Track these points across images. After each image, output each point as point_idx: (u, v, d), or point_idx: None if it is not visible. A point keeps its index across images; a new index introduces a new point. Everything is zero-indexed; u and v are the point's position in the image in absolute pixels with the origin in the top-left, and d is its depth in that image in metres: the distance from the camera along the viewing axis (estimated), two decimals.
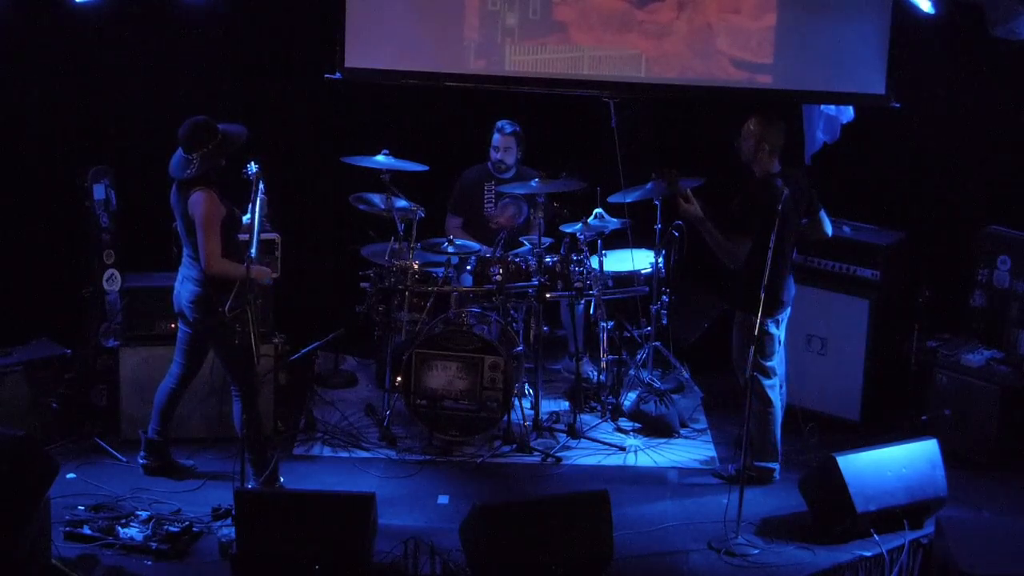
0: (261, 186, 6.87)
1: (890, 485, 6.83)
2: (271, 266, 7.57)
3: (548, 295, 7.98)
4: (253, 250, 6.88)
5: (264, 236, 7.33)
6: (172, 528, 6.64)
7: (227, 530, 6.59)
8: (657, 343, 8.24)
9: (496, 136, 8.49)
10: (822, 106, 8.35)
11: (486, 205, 8.58)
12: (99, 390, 7.85)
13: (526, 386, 8.15)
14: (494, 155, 8.51)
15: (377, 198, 8.04)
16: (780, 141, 7.21)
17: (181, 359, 7.20)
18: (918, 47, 8.11)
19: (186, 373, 7.23)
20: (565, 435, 7.96)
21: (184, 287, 7.01)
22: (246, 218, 7.03)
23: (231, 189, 6.98)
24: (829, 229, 7.47)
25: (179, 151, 6.88)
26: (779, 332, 7.32)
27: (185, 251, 7.01)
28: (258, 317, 6.89)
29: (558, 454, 7.75)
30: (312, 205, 8.70)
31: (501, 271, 7.92)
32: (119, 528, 6.64)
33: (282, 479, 7.18)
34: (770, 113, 7.29)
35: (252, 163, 6.87)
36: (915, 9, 7.78)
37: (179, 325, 7.15)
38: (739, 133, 7.26)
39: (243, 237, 7.00)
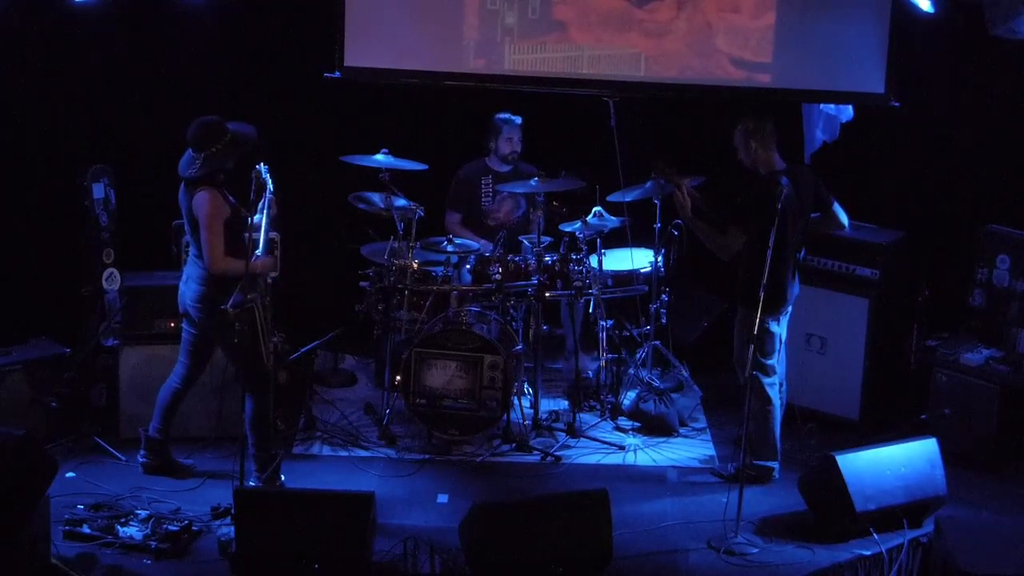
0: (269, 186, 6.88)
1: (889, 484, 6.83)
2: (273, 266, 7.57)
3: (547, 294, 7.98)
4: (260, 250, 6.89)
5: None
6: (171, 527, 6.64)
7: (226, 529, 6.59)
8: (656, 342, 8.24)
9: (506, 128, 8.47)
10: (821, 105, 8.35)
11: (483, 200, 8.58)
12: (98, 389, 7.86)
13: (525, 385, 8.14)
14: (504, 148, 8.48)
15: (376, 197, 8.04)
16: (769, 136, 7.19)
17: (186, 359, 7.21)
18: (918, 46, 8.10)
19: (191, 373, 7.24)
20: (564, 434, 7.96)
21: (188, 287, 7.02)
22: (256, 217, 7.00)
23: (235, 188, 6.98)
24: (845, 220, 7.45)
25: (188, 149, 6.89)
26: (780, 330, 7.32)
27: (191, 250, 7.02)
28: (269, 314, 6.91)
29: (557, 453, 7.75)
30: (312, 204, 8.70)
31: (500, 270, 7.92)
32: (118, 527, 6.64)
33: (282, 478, 7.19)
34: (753, 112, 7.28)
35: (261, 164, 6.86)
36: (914, 8, 7.77)
37: (184, 325, 7.16)
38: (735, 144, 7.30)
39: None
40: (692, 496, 7.32)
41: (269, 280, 7.19)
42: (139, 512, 6.79)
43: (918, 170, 8.55)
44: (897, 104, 8.04)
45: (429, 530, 6.72)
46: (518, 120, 8.50)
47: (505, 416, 7.77)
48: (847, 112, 8.34)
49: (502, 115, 8.51)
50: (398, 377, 7.81)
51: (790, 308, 7.34)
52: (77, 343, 7.85)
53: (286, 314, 8.00)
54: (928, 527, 6.81)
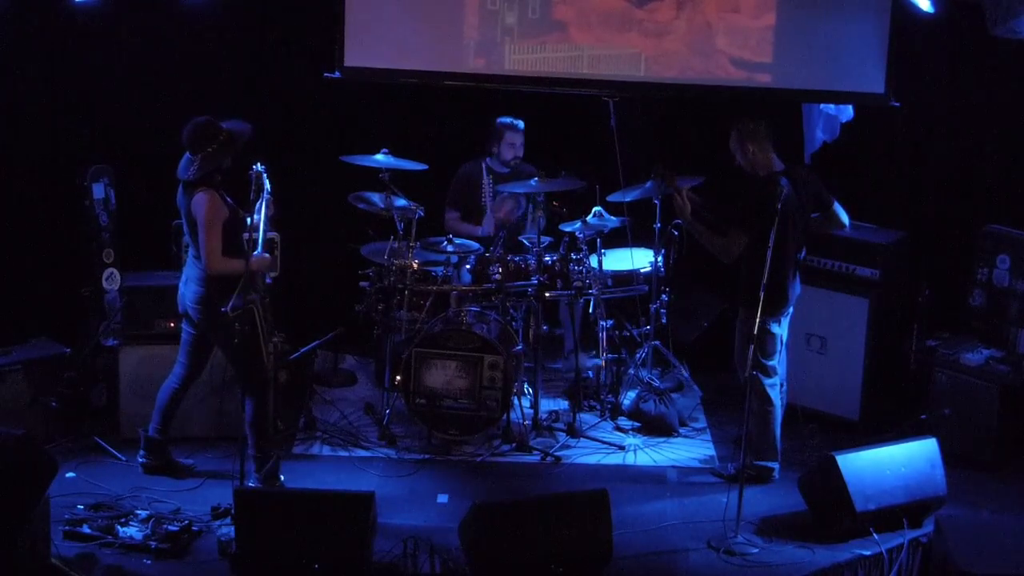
0: (267, 186, 6.88)
1: (889, 484, 6.83)
2: (271, 265, 7.57)
3: (547, 294, 7.98)
4: (259, 250, 6.89)
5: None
6: (171, 527, 6.64)
7: (226, 529, 6.59)
8: (656, 342, 8.23)
9: (508, 133, 8.46)
10: (822, 105, 8.35)
11: (484, 199, 8.59)
12: (99, 389, 7.87)
13: (525, 385, 8.14)
14: (507, 153, 8.46)
15: (376, 197, 8.04)
16: (765, 137, 7.19)
17: (185, 359, 7.21)
18: (918, 46, 8.11)
19: (190, 373, 7.24)
20: (564, 434, 7.96)
21: (188, 288, 7.02)
22: (254, 217, 7.00)
23: (235, 189, 6.99)
24: (846, 220, 7.45)
25: (186, 152, 6.90)
26: (781, 331, 7.32)
27: (190, 251, 7.03)
28: (268, 316, 6.91)
29: (557, 453, 7.75)
30: (312, 204, 8.70)
31: (500, 270, 7.92)
32: (118, 527, 6.64)
33: (282, 478, 7.18)
34: (746, 115, 7.29)
35: (259, 164, 6.87)
36: (915, 8, 7.78)
37: (183, 325, 7.16)
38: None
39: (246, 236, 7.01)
40: (692, 496, 7.31)
41: (268, 280, 7.19)
42: (139, 512, 6.79)
43: (918, 170, 8.56)
44: (897, 104, 8.05)
45: (429, 530, 6.72)
46: (520, 125, 8.48)
47: (505, 416, 7.77)
48: (847, 112, 8.35)
49: (504, 119, 8.49)
50: (398, 377, 7.81)
51: (791, 309, 7.34)
52: (77, 343, 7.86)
53: (286, 314, 8.00)
54: (928, 527, 6.81)
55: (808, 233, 7.39)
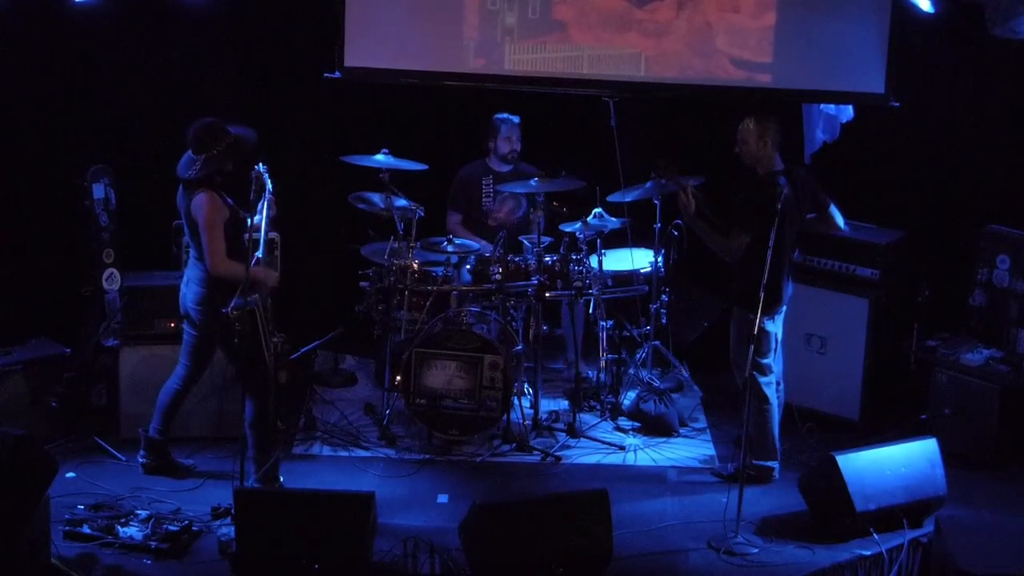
0: (268, 187, 6.88)
1: (889, 484, 6.83)
2: (271, 265, 7.58)
3: (547, 294, 7.98)
4: (260, 251, 6.89)
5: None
6: (171, 527, 6.64)
7: (226, 529, 6.59)
8: (656, 342, 8.24)
9: (504, 127, 8.48)
10: (822, 105, 8.35)
11: (484, 200, 8.59)
12: (98, 389, 7.87)
13: (525, 385, 8.14)
14: (503, 147, 8.48)
15: (377, 197, 8.05)
16: (779, 136, 7.22)
17: (187, 360, 7.21)
18: (918, 46, 8.11)
19: (191, 374, 7.24)
20: (564, 434, 7.96)
21: (189, 289, 7.02)
22: (256, 218, 7.00)
23: (235, 189, 6.98)
24: (841, 222, 7.46)
25: (188, 151, 6.90)
26: (775, 329, 7.32)
27: (191, 252, 7.03)
28: (269, 317, 6.91)
29: (557, 453, 7.75)
30: (312, 204, 8.70)
31: (500, 270, 7.92)
32: (118, 527, 6.64)
33: (282, 478, 7.18)
34: (767, 110, 7.30)
35: (260, 164, 6.87)
36: (914, 8, 7.78)
37: (185, 327, 7.16)
38: (736, 137, 7.26)
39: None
40: (692, 496, 7.31)
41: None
42: (139, 512, 6.79)
43: (918, 170, 8.56)
44: (897, 104, 8.04)
45: (429, 530, 6.72)
46: (516, 119, 8.50)
47: (505, 416, 7.77)
48: (847, 112, 8.35)
49: (500, 115, 8.52)
50: (398, 377, 7.81)
51: (784, 307, 7.35)
52: (77, 343, 7.85)
53: (286, 314, 8.00)
54: (928, 527, 6.81)
55: (803, 233, 7.40)
